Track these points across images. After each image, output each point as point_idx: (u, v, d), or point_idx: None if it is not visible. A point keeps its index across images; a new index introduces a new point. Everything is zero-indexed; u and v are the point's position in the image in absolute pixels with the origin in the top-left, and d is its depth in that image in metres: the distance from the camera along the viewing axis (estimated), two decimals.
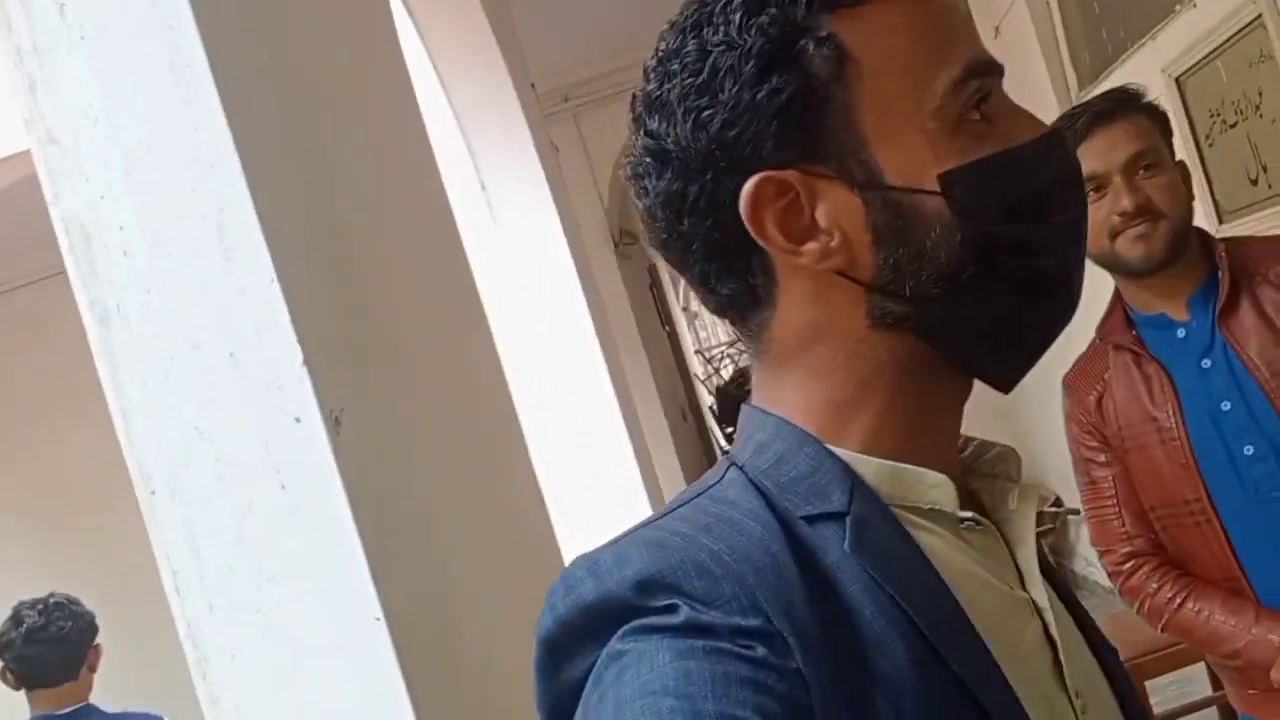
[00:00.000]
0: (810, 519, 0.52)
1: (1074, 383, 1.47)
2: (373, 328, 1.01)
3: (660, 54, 0.56)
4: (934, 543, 0.54)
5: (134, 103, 0.85)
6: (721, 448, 9.65)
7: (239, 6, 0.92)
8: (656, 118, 0.55)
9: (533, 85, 3.72)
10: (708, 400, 9.95)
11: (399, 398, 1.02)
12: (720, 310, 0.59)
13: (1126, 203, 1.30)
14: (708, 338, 12.09)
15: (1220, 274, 1.34)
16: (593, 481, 3.58)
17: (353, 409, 0.88)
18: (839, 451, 0.54)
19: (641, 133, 0.56)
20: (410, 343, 1.10)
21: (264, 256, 0.84)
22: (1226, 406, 1.31)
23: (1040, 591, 0.57)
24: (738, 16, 0.52)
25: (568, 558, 0.70)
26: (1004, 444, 0.61)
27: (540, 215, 3.78)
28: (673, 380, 6.66)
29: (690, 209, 0.55)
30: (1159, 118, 1.39)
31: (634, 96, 0.58)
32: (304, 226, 0.92)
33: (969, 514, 0.56)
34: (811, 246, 0.53)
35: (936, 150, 0.52)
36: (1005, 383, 0.57)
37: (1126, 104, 1.36)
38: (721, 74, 0.52)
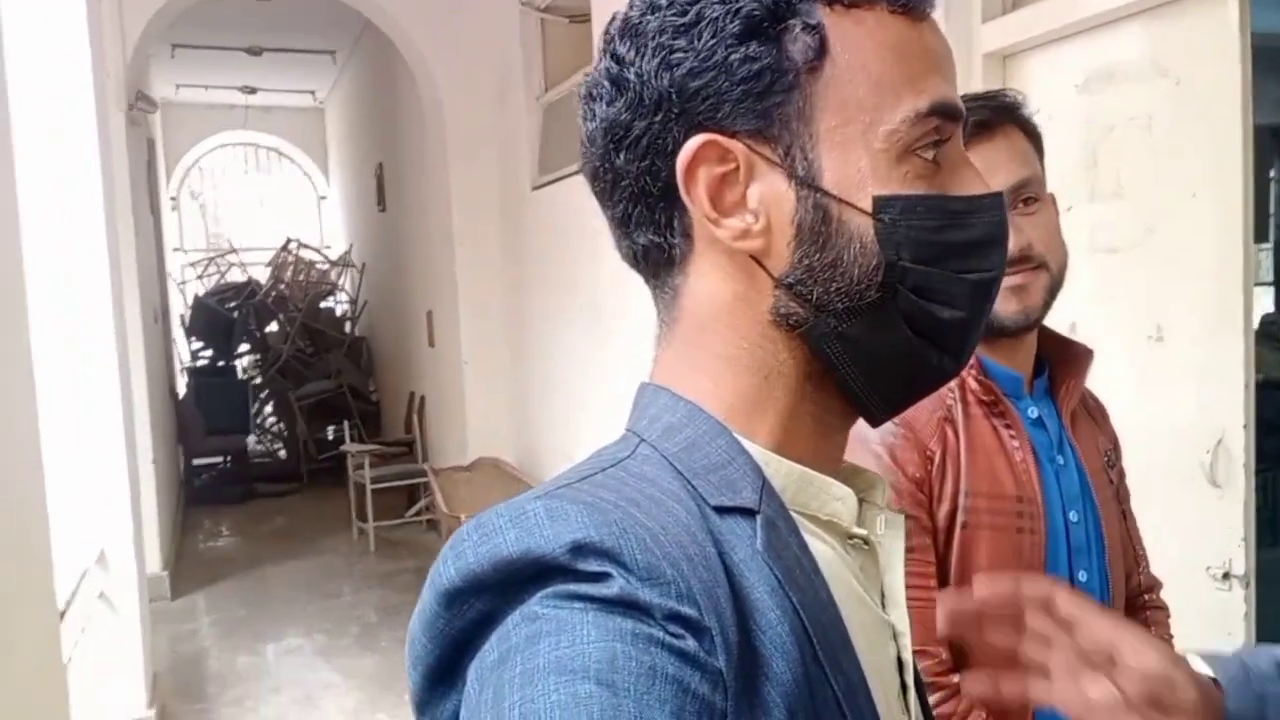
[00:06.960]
0: (721, 510, 0.51)
1: (914, 419, 1.12)
2: None
3: None
4: (825, 553, 0.54)
5: None
6: (183, 359, 8.81)
7: None
8: (628, 43, 0.54)
9: None
10: (178, 308, 9.05)
11: None
12: (634, 261, 0.59)
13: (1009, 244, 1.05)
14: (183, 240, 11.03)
15: (1052, 366, 1.16)
16: (68, 367, 3.12)
17: None
18: (750, 446, 0.54)
19: (609, 55, 0.55)
20: None
21: None
22: (1074, 518, 1.13)
23: (902, 616, 0.58)
24: None
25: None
26: (873, 470, 0.61)
27: (72, 54, 3.22)
28: (151, 274, 5.96)
29: (631, 144, 0.54)
30: (1036, 137, 1.15)
31: (614, 16, 0.56)
32: None
33: (862, 531, 0.57)
34: (734, 222, 0.53)
35: (877, 171, 0.52)
36: (873, 416, 0.58)
37: (1004, 114, 1.12)
38: (705, 22, 0.52)
